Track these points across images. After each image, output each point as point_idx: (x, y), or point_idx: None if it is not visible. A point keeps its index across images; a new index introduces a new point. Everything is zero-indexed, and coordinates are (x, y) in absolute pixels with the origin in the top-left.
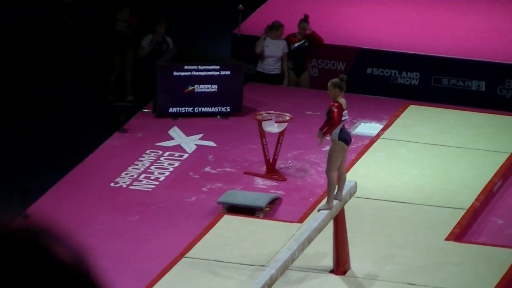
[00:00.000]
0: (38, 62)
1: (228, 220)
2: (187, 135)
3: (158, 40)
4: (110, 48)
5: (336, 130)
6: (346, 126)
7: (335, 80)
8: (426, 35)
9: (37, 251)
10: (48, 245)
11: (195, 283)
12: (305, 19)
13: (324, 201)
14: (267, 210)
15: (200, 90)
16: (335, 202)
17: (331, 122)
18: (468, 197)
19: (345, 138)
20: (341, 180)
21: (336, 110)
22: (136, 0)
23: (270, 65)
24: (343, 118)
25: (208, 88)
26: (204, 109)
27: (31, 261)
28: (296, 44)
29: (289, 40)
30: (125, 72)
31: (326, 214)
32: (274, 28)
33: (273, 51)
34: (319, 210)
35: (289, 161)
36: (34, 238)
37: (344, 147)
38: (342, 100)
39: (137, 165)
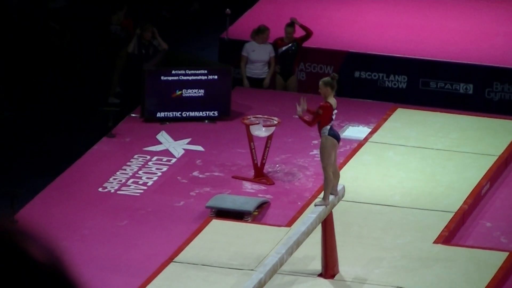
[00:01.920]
0: (26, 67)
1: (217, 224)
2: (175, 140)
3: (144, 44)
4: (103, 50)
5: (327, 127)
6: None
7: (326, 78)
8: (414, 38)
9: (12, 251)
10: (23, 245)
11: (184, 287)
12: (292, 23)
13: (321, 195)
14: (255, 214)
15: (188, 95)
16: (331, 197)
17: (312, 121)
18: (456, 200)
19: (335, 134)
20: (335, 177)
21: (322, 112)
22: (130, 3)
23: (258, 69)
24: (333, 117)
25: (196, 92)
26: (192, 114)
27: (6, 261)
28: (284, 48)
29: (276, 44)
30: (114, 74)
31: (314, 218)
32: (260, 32)
33: (260, 55)
34: (315, 205)
35: (277, 165)
36: (8, 238)
37: (334, 143)
38: (333, 100)
39: (125, 170)
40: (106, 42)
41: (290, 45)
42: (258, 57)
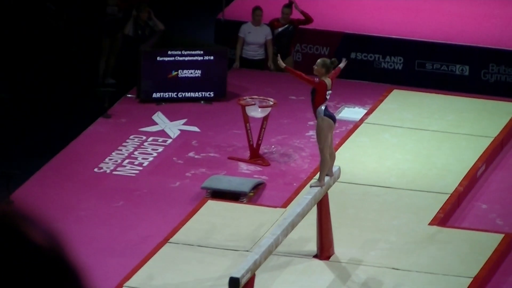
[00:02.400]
0: (22, 48)
1: (212, 205)
2: (171, 120)
3: (140, 24)
4: (99, 32)
5: (321, 107)
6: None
7: (327, 60)
8: (410, 20)
9: (11, 234)
10: (23, 228)
11: (179, 268)
12: (289, 4)
13: (316, 177)
14: (251, 195)
15: (184, 75)
16: (326, 179)
17: (300, 74)
18: (451, 182)
19: (331, 115)
20: (331, 158)
21: (319, 81)
22: None
23: (253, 51)
24: (327, 97)
25: (191, 73)
26: (188, 94)
27: (6, 244)
28: (280, 29)
29: (273, 25)
30: (111, 55)
31: (310, 199)
32: (253, 13)
33: (256, 37)
34: (311, 186)
35: (273, 146)
36: (8, 221)
37: (331, 124)
38: (328, 81)
39: (121, 150)
40: (103, 23)
41: (286, 26)
42: (254, 40)
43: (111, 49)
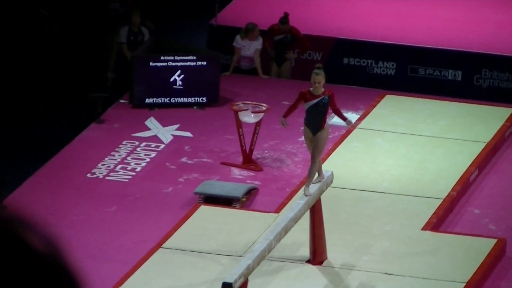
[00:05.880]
0: (15, 54)
1: (205, 210)
2: (164, 126)
3: (134, 31)
4: (103, 28)
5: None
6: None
7: (321, 71)
8: (403, 25)
9: (10, 240)
10: (22, 234)
11: (172, 274)
12: (285, 21)
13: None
14: (243, 201)
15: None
16: (317, 185)
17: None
18: (444, 187)
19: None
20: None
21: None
22: None
23: (245, 63)
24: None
25: (184, 78)
26: (180, 100)
27: (5, 250)
28: (279, 37)
29: (273, 29)
30: (111, 50)
31: (303, 204)
32: (249, 31)
33: (248, 51)
34: (309, 186)
35: (266, 152)
36: (7, 227)
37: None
38: None
39: (113, 155)
40: (105, 19)
41: (285, 35)
42: (246, 53)
43: (111, 43)
